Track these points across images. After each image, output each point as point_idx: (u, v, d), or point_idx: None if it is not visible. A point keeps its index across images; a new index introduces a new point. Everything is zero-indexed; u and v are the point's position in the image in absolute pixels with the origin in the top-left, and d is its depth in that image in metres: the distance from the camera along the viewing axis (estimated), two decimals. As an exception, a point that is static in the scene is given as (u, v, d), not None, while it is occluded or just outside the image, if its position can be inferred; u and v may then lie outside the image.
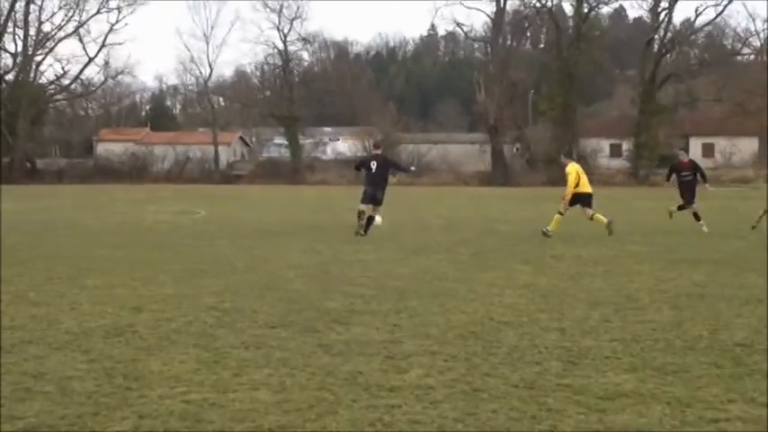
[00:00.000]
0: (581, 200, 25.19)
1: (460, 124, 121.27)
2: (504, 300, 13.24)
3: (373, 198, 24.44)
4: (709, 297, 13.41)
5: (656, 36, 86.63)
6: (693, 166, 27.66)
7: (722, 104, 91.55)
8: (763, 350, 9.71)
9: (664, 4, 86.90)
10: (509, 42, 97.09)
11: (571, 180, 25.07)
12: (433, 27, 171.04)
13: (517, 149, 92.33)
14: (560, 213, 24.97)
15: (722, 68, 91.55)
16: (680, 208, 27.82)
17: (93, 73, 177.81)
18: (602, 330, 10.85)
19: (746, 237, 24.39)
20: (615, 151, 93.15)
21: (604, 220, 24.84)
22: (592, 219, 25.02)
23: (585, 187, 25.30)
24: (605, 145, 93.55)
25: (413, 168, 24.94)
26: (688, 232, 25.92)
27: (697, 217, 27.08)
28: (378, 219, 24.66)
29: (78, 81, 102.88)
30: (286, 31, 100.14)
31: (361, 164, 25.51)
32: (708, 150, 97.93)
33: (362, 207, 24.48)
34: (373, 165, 24.43)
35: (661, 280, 15.39)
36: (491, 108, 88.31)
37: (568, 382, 8.39)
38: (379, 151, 25.52)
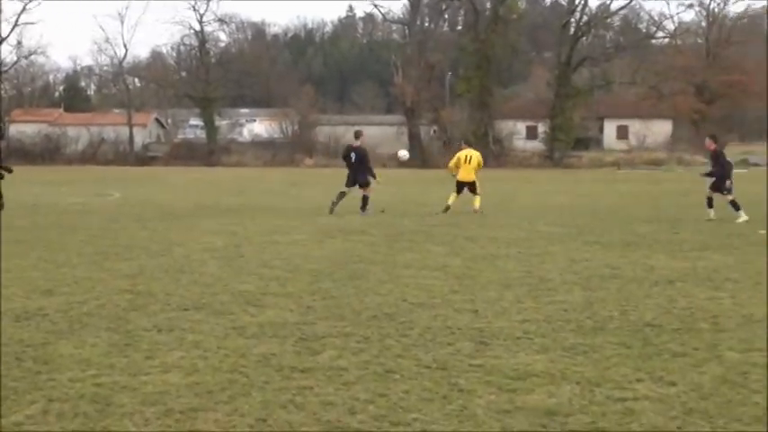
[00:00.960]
0: (461, 187, 26.69)
1: (378, 106, 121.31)
2: (418, 281, 13.31)
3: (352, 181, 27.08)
4: (620, 278, 13.62)
5: (573, 19, 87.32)
6: None
7: (637, 87, 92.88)
8: (672, 330, 9.91)
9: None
10: (427, 24, 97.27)
11: (452, 163, 28.07)
12: (351, 9, 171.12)
13: (434, 132, 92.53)
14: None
15: (637, 52, 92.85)
16: None
17: (6, 53, 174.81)
18: (515, 311, 10.97)
19: (656, 219, 24.78)
20: (531, 133, 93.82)
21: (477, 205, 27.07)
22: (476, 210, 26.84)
23: (466, 176, 26.38)
24: (521, 127, 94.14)
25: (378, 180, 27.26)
26: (603, 213, 26.29)
27: None
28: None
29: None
30: (202, 11, 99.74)
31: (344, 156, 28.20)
32: (622, 132, 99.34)
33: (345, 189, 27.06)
34: (353, 156, 27.39)
35: (573, 261, 15.59)
36: (408, 90, 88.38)
37: (480, 362, 8.48)
38: (358, 143, 28.00)
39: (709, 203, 24.91)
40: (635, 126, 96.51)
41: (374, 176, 27.90)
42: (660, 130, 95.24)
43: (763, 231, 20.41)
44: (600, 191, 33.42)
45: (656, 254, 16.55)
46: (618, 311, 10.96)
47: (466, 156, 27.64)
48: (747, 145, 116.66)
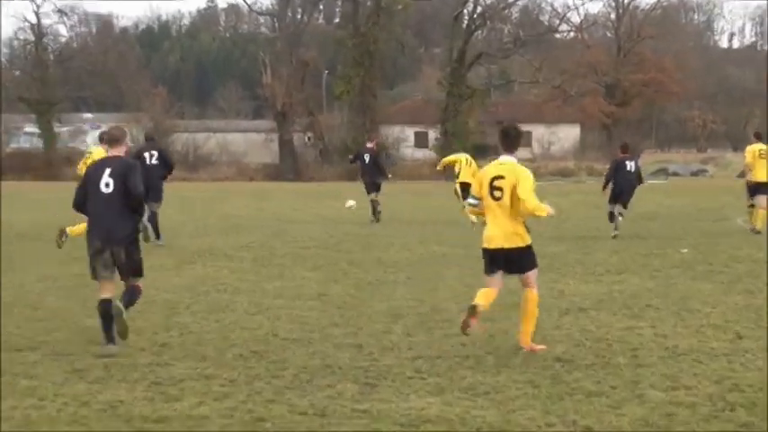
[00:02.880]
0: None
1: (244, 110, 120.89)
2: (292, 313, 13.23)
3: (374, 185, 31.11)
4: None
5: (465, 10, 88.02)
6: None
7: (539, 87, 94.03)
8: (586, 366, 9.95)
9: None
10: (299, 16, 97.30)
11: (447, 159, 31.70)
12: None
13: (309, 139, 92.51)
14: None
15: (539, 47, 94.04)
16: None
17: None
18: (405, 347, 10.93)
19: (564, 238, 25.06)
20: (421, 140, 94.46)
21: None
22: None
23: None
24: (410, 133, 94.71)
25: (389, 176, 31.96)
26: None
27: None
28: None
29: None
30: (39, 1, 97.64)
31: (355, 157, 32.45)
32: (524, 139, 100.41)
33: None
34: (367, 158, 31.17)
35: (470, 287, 15.62)
36: (279, 91, 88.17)
37: (365, 407, 8.39)
38: (371, 144, 32.61)
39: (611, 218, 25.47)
40: (538, 131, 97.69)
41: (386, 176, 32.08)
42: (567, 135, 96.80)
43: (686, 250, 20.76)
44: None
45: (566, 277, 16.72)
46: (524, 344, 10.97)
47: (467, 159, 30.22)
48: (666, 153, 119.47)
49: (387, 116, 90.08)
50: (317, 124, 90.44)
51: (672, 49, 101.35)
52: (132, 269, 11.23)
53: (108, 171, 11.27)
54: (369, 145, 33.04)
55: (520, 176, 10.99)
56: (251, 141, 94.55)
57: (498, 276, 11.23)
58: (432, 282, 16.29)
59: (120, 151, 11.65)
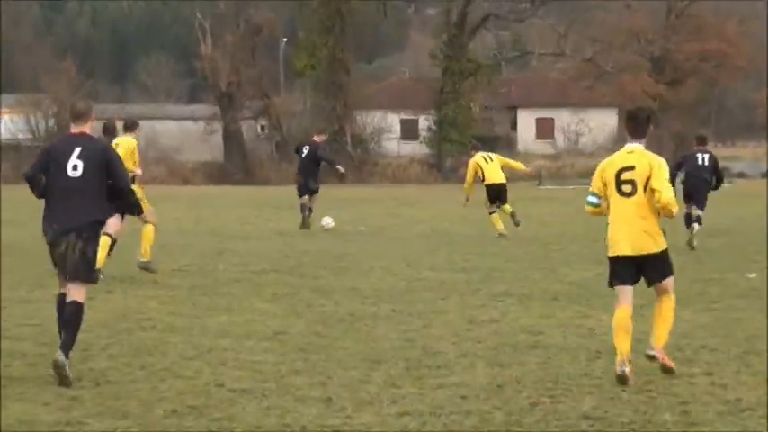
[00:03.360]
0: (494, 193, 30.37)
1: (176, 91, 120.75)
2: (240, 357, 13.31)
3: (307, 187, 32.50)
4: (544, 348, 13.79)
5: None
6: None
7: (565, 61, 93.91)
8: (621, 424, 10.06)
9: None
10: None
11: (469, 177, 31.19)
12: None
13: (263, 129, 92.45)
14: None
15: (565, 8, 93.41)
16: None
17: None
18: (388, 400, 11.01)
19: (595, 261, 25.15)
20: (409, 130, 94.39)
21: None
22: None
23: (495, 176, 30.04)
24: (394, 121, 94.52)
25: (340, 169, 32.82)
26: (516, 251, 26.63)
27: None
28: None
29: None
30: None
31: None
32: (545, 128, 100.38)
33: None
34: (305, 150, 32.82)
35: (474, 323, 15.72)
36: (222, 66, 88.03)
37: (337, 478, 8.50)
38: (320, 138, 33.66)
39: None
40: (563, 119, 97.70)
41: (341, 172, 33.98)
42: (600, 123, 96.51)
43: (754, 275, 20.86)
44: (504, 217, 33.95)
45: (597, 311, 16.76)
46: (545, 395, 11.09)
47: (484, 157, 30.38)
48: (729, 147, 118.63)
49: (364, 99, 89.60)
50: (273, 109, 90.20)
51: (737, 10, 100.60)
52: (83, 271, 12.08)
53: (77, 151, 12.04)
54: (315, 139, 33.95)
55: (654, 165, 11.22)
56: (186, 132, 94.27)
57: (630, 289, 11.95)
58: (423, 317, 16.37)
59: (87, 128, 12.38)
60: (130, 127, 24.79)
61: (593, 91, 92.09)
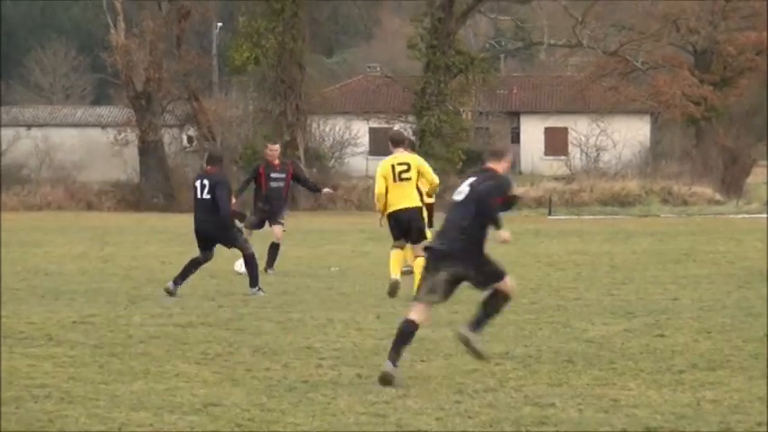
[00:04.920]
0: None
1: (80, 90, 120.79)
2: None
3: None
4: (554, 425, 13.87)
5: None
6: None
7: (583, 54, 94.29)
8: None
9: None
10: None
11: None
12: None
13: (190, 140, 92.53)
14: None
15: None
16: None
17: None
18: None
19: (622, 312, 25.24)
20: (380, 143, 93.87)
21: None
22: None
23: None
24: (362, 130, 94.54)
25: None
26: (514, 300, 26.73)
27: None
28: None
29: None
30: None
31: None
32: (556, 140, 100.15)
33: None
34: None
35: (465, 393, 15.78)
36: (139, 59, 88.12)
37: None
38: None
39: None
40: (581, 127, 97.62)
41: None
42: (629, 135, 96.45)
43: None
44: (514, 253, 33.84)
45: (623, 377, 16.91)
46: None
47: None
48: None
49: (322, 102, 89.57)
50: (204, 115, 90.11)
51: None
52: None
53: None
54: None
55: None
56: (91, 143, 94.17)
57: None
58: (398, 385, 16.38)
59: None
60: None
61: (618, 93, 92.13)
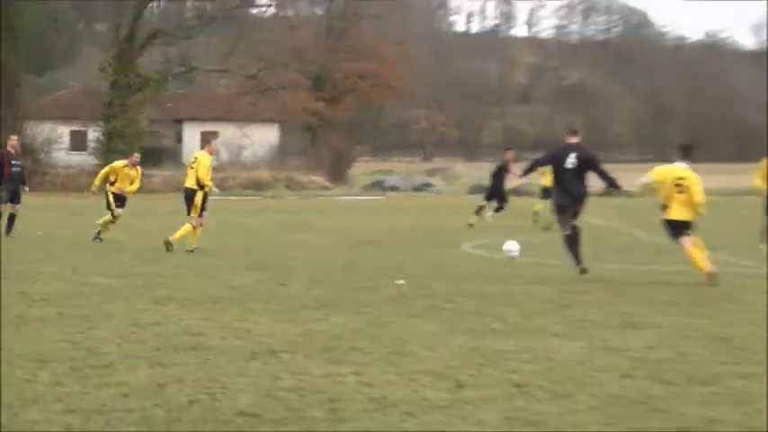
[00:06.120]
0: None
1: None
2: None
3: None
4: (204, 349, 13.90)
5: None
6: None
7: (230, 77, 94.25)
8: (274, 420, 10.25)
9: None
10: None
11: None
12: None
13: None
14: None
15: (231, 26, 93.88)
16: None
17: None
18: (53, 398, 10.93)
19: (255, 267, 25.39)
20: (78, 142, 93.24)
21: None
22: None
23: None
24: (65, 132, 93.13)
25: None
26: (182, 261, 26.68)
27: None
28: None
29: None
30: None
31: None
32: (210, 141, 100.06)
33: None
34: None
35: (137, 326, 15.72)
36: None
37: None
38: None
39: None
40: (228, 132, 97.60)
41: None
42: (263, 138, 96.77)
43: (403, 282, 21.35)
44: (175, 226, 33.89)
45: (254, 314, 16.95)
46: (201, 396, 11.24)
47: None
48: (384, 161, 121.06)
49: (36, 110, 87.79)
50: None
51: (395, 32, 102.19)
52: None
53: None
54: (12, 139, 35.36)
55: None
56: None
57: None
58: (89, 319, 16.25)
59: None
60: None
61: (256, 106, 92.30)
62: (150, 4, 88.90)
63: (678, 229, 22.25)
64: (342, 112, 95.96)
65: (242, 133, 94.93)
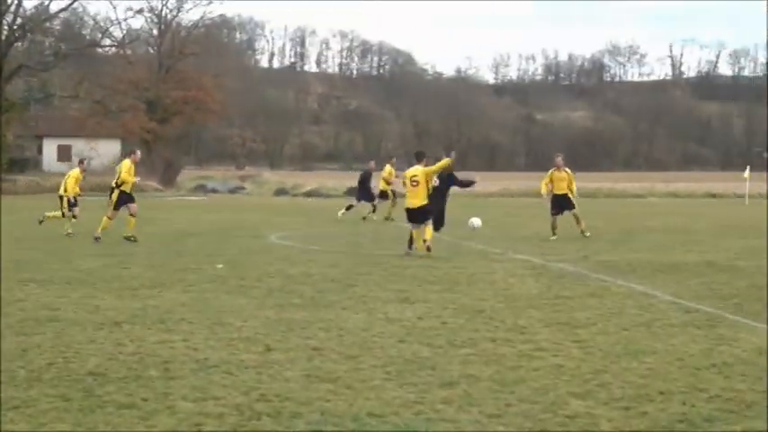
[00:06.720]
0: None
1: None
2: None
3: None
4: (60, 321, 13.61)
5: (5, 21, 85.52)
6: None
7: (80, 102, 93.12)
8: (118, 379, 10.05)
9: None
10: None
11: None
12: None
13: None
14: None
15: (81, 61, 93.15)
16: None
17: None
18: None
19: (101, 254, 24.93)
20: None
21: None
22: None
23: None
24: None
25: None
26: (40, 247, 26.08)
27: None
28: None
29: None
30: None
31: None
32: (64, 153, 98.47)
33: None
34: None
35: (5, 302, 15.34)
36: None
37: None
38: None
39: None
40: (78, 146, 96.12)
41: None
42: (108, 150, 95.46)
43: (221, 266, 21.21)
44: (27, 219, 33.46)
45: (102, 293, 16.68)
46: (57, 359, 10.96)
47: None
48: (205, 169, 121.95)
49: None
50: None
51: (213, 67, 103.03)
52: None
53: None
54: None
55: None
56: None
57: None
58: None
59: None
60: None
61: (102, 125, 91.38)
62: (15, 44, 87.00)
63: (415, 214, 24.43)
64: (171, 129, 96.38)
65: (90, 147, 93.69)
